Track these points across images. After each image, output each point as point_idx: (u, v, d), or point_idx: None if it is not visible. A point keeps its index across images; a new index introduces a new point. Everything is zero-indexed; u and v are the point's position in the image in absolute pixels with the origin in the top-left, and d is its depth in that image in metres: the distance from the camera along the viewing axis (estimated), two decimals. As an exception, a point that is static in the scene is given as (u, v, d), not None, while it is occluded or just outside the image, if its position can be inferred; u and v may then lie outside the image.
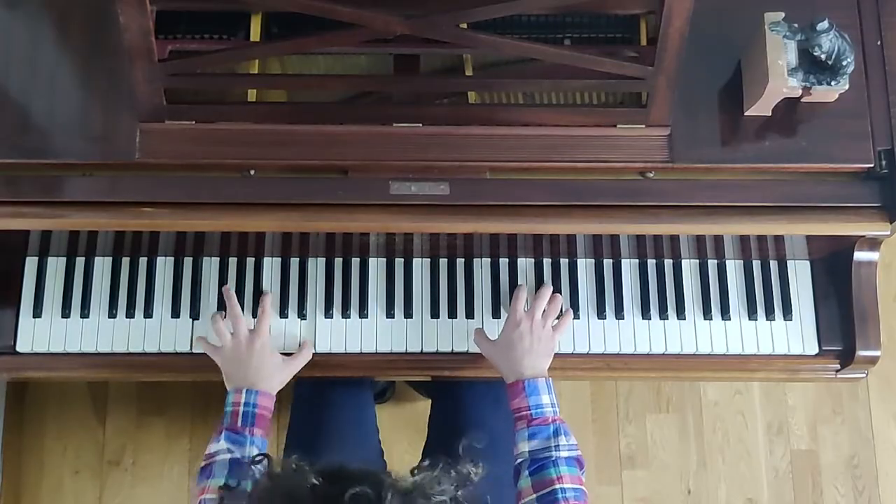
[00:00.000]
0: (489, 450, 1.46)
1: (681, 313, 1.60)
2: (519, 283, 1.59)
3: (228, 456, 1.36)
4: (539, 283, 1.60)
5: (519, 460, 1.39)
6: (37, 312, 1.57)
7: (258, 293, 1.58)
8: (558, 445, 1.37)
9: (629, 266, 1.62)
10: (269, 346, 1.50)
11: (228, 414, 1.42)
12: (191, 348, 1.57)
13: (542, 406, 1.42)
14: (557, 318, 1.55)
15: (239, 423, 1.40)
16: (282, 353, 1.53)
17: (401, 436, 2.13)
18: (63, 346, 1.57)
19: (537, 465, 1.36)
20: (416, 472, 1.09)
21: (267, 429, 1.43)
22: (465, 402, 1.66)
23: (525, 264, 1.61)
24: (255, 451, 1.37)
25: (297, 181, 1.47)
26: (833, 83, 1.40)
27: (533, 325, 1.49)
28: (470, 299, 1.60)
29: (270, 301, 1.55)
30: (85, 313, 1.58)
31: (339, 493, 1.01)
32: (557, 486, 1.33)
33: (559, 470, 1.34)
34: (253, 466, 1.27)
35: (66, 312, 1.58)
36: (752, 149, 1.47)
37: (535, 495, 1.33)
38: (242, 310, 1.55)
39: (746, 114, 1.47)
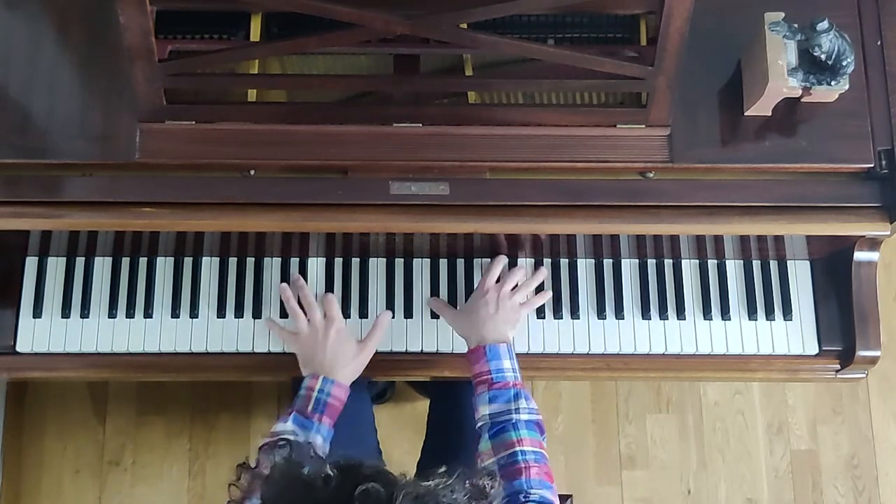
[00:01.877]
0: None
1: (681, 313, 1.60)
2: (519, 283, 1.59)
3: (292, 438, 1.36)
4: (539, 282, 1.60)
5: (479, 423, 1.40)
6: (37, 312, 1.57)
7: (258, 293, 1.58)
8: (518, 409, 1.37)
9: (629, 266, 1.62)
10: (346, 331, 1.50)
11: (301, 397, 1.42)
12: (190, 348, 1.57)
13: (504, 370, 1.41)
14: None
15: (310, 409, 1.41)
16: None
17: (401, 436, 2.13)
18: (63, 346, 1.57)
19: (498, 428, 1.36)
20: (431, 477, 1.08)
21: (334, 419, 1.43)
22: (464, 402, 1.65)
23: (525, 264, 1.61)
24: (320, 439, 1.38)
25: (297, 181, 1.47)
26: (833, 83, 1.40)
27: (500, 294, 1.50)
28: (470, 299, 1.60)
29: (332, 294, 1.55)
30: (85, 313, 1.58)
31: (350, 487, 1.00)
32: (518, 448, 1.32)
33: (519, 433, 1.34)
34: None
35: (66, 312, 1.58)
36: (752, 149, 1.47)
37: (495, 458, 1.33)
38: (242, 312, 1.56)
39: (746, 114, 1.47)
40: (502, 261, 1.56)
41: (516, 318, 1.51)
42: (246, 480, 1.25)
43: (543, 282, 1.59)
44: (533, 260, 1.61)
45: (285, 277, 1.59)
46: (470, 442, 1.47)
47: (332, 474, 1.04)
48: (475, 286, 1.59)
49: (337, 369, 1.46)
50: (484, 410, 1.39)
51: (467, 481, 1.09)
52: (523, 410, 1.37)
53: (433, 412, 1.79)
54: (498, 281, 1.54)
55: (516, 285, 1.54)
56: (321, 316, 1.51)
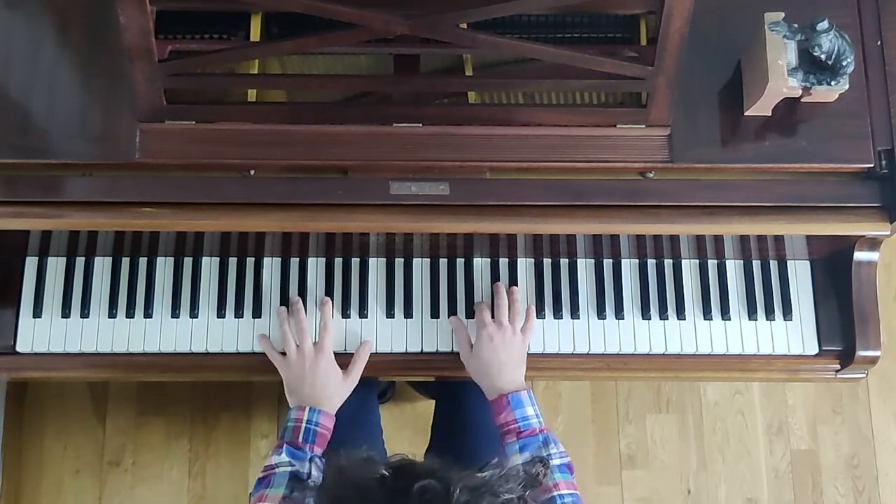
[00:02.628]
0: (492, 448, 1.46)
1: (681, 313, 1.60)
2: (518, 283, 1.59)
3: (289, 469, 1.38)
4: (539, 283, 1.60)
5: None
6: (37, 312, 1.57)
7: (258, 293, 1.58)
8: (550, 455, 1.39)
9: (629, 266, 1.62)
10: (333, 365, 1.51)
11: (290, 429, 1.44)
12: (190, 348, 1.57)
13: (529, 418, 1.43)
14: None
15: (300, 439, 1.42)
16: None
17: (401, 436, 2.13)
18: (63, 346, 1.57)
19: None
20: (484, 468, 1.08)
21: (324, 447, 1.45)
22: (467, 403, 1.66)
23: (525, 264, 1.61)
24: (314, 469, 1.39)
25: (296, 181, 1.46)
26: (833, 83, 1.40)
27: (504, 334, 1.50)
28: (470, 299, 1.59)
29: (331, 311, 1.55)
30: (85, 313, 1.58)
31: (407, 486, 1.01)
32: (555, 493, 1.34)
33: (554, 478, 1.36)
34: (310, 463, 1.34)
35: (66, 312, 1.58)
36: (752, 149, 1.47)
37: None
38: (242, 312, 1.56)
39: (746, 114, 1.47)
40: (484, 303, 1.56)
41: (524, 354, 1.52)
42: (298, 492, 1.26)
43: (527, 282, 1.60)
44: (533, 260, 1.61)
45: (285, 277, 1.59)
46: (475, 443, 1.48)
47: (386, 475, 1.04)
48: (475, 287, 1.59)
49: (322, 401, 1.47)
50: (516, 460, 1.38)
51: (521, 469, 1.09)
52: (555, 455, 1.40)
53: (437, 414, 1.79)
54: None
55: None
56: (311, 345, 1.51)
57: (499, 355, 1.48)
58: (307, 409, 1.45)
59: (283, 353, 1.52)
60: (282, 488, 1.35)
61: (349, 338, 1.58)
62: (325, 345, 1.51)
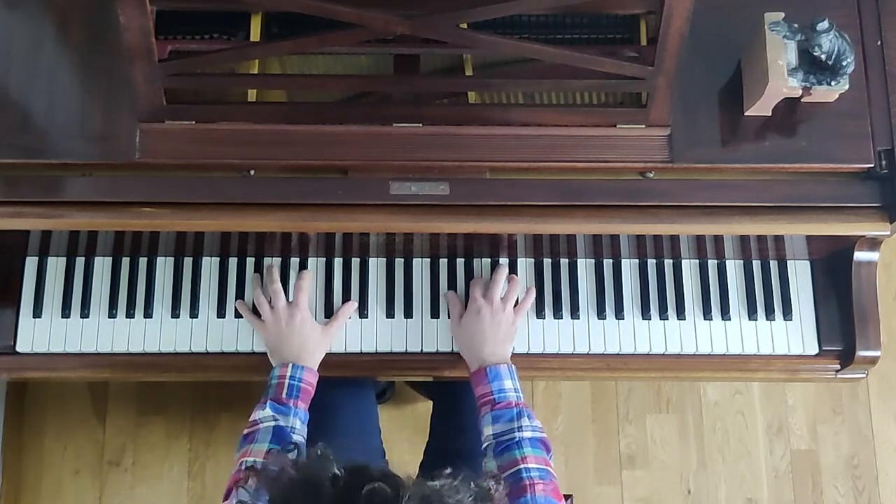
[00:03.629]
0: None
1: (681, 313, 1.60)
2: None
3: (273, 423, 1.39)
4: (539, 283, 1.60)
5: (485, 444, 1.40)
6: (37, 312, 1.57)
7: (258, 293, 1.58)
8: (521, 427, 1.38)
9: (629, 266, 1.62)
10: (310, 319, 1.52)
11: (273, 386, 1.45)
12: (190, 348, 1.57)
13: (505, 390, 1.43)
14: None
15: (284, 395, 1.43)
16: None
17: (400, 436, 2.13)
18: (63, 346, 1.57)
19: (502, 447, 1.37)
20: (436, 477, 1.08)
21: (308, 403, 1.46)
22: (465, 404, 1.66)
23: (525, 264, 1.61)
24: (299, 423, 1.41)
25: (296, 181, 1.47)
26: (833, 83, 1.40)
27: (493, 309, 1.51)
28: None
29: (308, 276, 1.56)
30: (85, 313, 1.58)
31: (357, 487, 1.01)
32: (521, 465, 1.33)
33: (523, 451, 1.35)
34: (294, 417, 1.36)
35: (66, 312, 1.58)
36: (752, 149, 1.47)
37: (501, 476, 1.33)
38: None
39: (746, 114, 1.47)
40: (480, 278, 1.57)
41: (513, 331, 1.52)
42: (254, 482, 1.26)
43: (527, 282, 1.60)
44: (533, 260, 1.61)
45: (286, 277, 1.59)
46: (473, 444, 1.48)
47: (339, 474, 1.05)
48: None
49: (304, 356, 1.48)
50: (488, 431, 1.40)
51: (472, 483, 1.09)
52: (526, 428, 1.38)
53: (436, 414, 1.79)
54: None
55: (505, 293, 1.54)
56: (285, 303, 1.52)
57: (483, 327, 1.49)
58: (290, 365, 1.46)
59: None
60: (266, 443, 1.36)
61: (349, 338, 1.58)
62: (300, 301, 1.52)
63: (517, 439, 1.36)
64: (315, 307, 1.57)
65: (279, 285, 1.54)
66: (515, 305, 1.55)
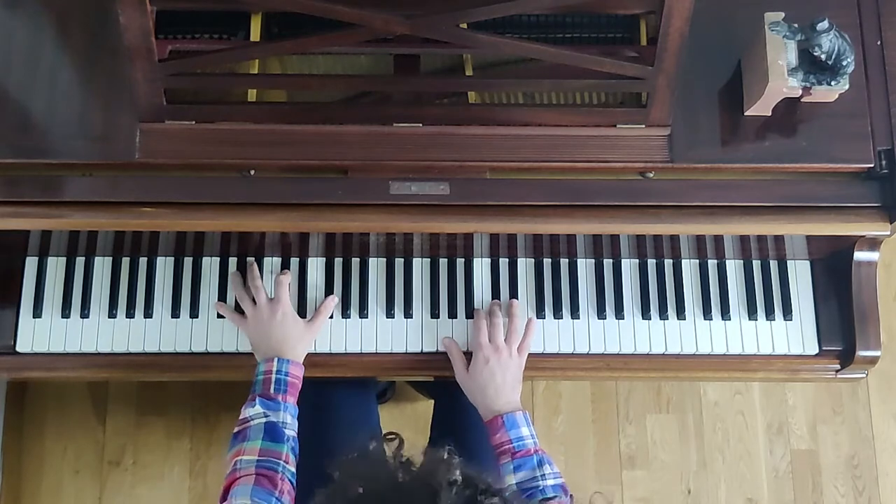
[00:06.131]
0: (490, 449, 1.46)
1: (681, 313, 1.60)
2: (518, 283, 1.59)
3: (264, 420, 1.39)
4: (539, 283, 1.60)
5: (507, 493, 1.40)
6: (37, 312, 1.57)
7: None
8: (544, 475, 1.39)
9: (629, 266, 1.62)
10: (291, 313, 1.52)
11: (260, 382, 1.44)
12: (190, 348, 1.57)
13: (523, 438, 1.43)
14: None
15: (272, 390, 1.43)
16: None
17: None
18: (63, 346, 1.57)
19: (526, 495, 1.37)
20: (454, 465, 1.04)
21: (296, 397, 1.45)
22: (466, 404, 1.65)
23: (525, 264, 1.61)
24: (289, 417, 1.41)
25: (297, 181, 1.47)
26: (833, 83, 1.40)
27: (500, 358, 1.50)
28: (470, 299, 1.59)
29: (287, 275, 1.56)
30: (85, 313, 1.58)
31: (472, 498, 0.99)
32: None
33: (548, 497, 1.37)
34: (285, 412, 1.38)
35: (66, 312, 1.58)
36: (752, 149, 1.47)
37: None
38: (243, 312, 1.55)
39: (746, 114, 1.47)
40: (481, 315, 1.56)
41: (521, 373, 1.52)
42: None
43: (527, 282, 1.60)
44: (533, 260, 1.61)
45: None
46: (474, 443, 1.48)
47: (458, 480, 1.01)
48: (475, 287, 1.59)
49: (287, 350, 1.48)
50: (511, 480, 1.40)
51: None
52: (549, 476, 1.40)
53: (437, 415, 1.79)
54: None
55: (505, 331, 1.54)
56: (266, 298, 1.53)
57: (495, 378, 1.48)
58: (275, 360, 1.45)
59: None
60: (258, 441, 1.36)
61: (349, 338, 1.58)
62: (281, 296, 1.52)
63: (541, 487, 1.38)
64: (315, 307, 1.57)
65: (260, 282, 1.54)
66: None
